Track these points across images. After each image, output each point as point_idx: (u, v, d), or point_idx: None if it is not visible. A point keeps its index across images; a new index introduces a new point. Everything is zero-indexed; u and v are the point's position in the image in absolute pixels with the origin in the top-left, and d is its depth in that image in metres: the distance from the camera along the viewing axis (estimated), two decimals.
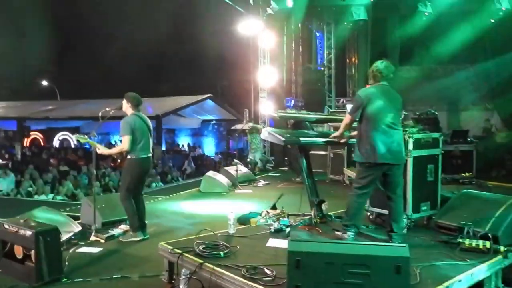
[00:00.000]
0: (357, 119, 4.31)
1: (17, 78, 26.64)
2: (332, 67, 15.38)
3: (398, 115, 4.33)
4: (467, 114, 15.23)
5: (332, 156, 10.14)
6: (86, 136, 5.88)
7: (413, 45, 14.71)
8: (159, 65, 26.98)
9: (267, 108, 14.06)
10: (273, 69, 14.78)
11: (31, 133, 26.03)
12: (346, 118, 4.41)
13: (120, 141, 5.61)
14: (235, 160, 10.94)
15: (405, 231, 4.57)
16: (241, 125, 14.80)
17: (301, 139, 4.54)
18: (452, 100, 15.49)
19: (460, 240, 3.97)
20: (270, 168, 13.49)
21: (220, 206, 7.50)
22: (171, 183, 14.63)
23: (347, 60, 17.80)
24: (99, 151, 5.61)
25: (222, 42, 21.40)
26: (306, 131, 4.77)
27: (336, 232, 4.34)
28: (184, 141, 26.94)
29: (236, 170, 9.79)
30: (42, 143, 26.22)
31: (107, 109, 5.61)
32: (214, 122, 26.72)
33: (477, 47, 13.30)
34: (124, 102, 5.54)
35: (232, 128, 21.67)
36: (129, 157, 5.40)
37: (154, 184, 14.13)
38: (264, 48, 14.63)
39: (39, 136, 26.49)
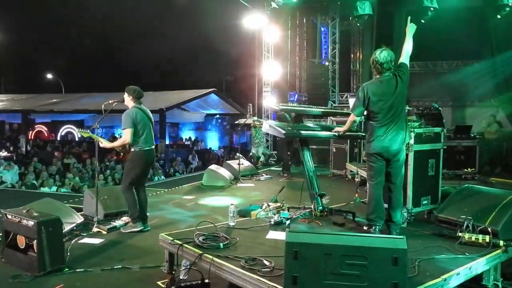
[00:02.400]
0: (361, 116, 4.31)
1: (22, 71, 26.76)
2: (336, 62, 15.31)
3: (399, 107, 4.23)
4: (472, 110, 15.16)
5: (334, 150, 10.14)
6: (88, 131, 5.90)
7: (419, 40, 14.61)
8: (164, 59, 27.01)
9: (270, 102, 14.04)
10: (277, 63, 14.76)
11: (35, 126, 26.17)
12: (351, 117, 4.41)
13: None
14: (237, 154, 10.96)
15: (405, 224, 4.59)
16: (244, 119, 14.80)
17: (302, 132, 4.55)
18: (457, 96, 15.43)
19: (460, 234, 3.97)
20: (273, 162, 13.51)
21: (222, 199, 7.53)
22: (174, 176, 14.68)
23: (352, 55, 17.76)
24: (101, 145, 5.65)
25: (227, 37, 21.42)
26: (308, 124, 4.78)
27: (364, 228, 4.32)
28: (187, 135, 27.00)
29: (239, 164, 9.81)
30: (46, 136, 26.37)
31: (110, 102, 5.65)
32: (218, 116, 26.74)
33: (483, 43, 13.22)
34: (126, 95, 5.57)
35: (236, 122, 21.70)
36: (132, 149, 5.43)
37: (156, 178, 14.20)
38: (268, 43, 14.60)
39: (43, 129, 26.64)
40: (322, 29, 16.74)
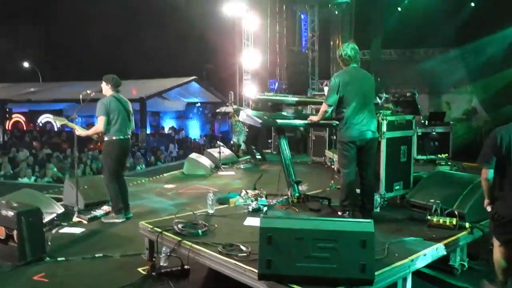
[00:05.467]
0: (334, 104, 4.43)
1: None
2: (315, 49, 15.42)
3: (369, 95, 4.42)
4: (448, 97, 15.50)
5: (314, 138, 10.30)
6: (63, 118, 5.90)
7: (396, 28, 14.81)
8: (143, 47, 26.66)
9: (250, 90, 14.11)
10: (257, 51, 14.79)
11: (13, 115, 25.67)
12: (323, 106, 4.52)
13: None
14: (218, 142, 11.03)
15: (378, 209, 4.77)
16: (225, 108, 14.84)
17: (278, 121, 4.66)
18: (433, 83, 15.74)
19: (429, 217, 4.16)
20: (254, 150, 13.60)
21: (203, 187, 7.61)
22: (156, 165, 14.69)
23: (331, 43, 17.89)
24: (77, 133, 5.67)
25: (206, 24, 21.24)
26: (284, 113, 4.89)
27: (338, 213, 4.47)
28: (169, 124, 26.86)
29: (219, 152, 9.90)
30: (24, 126, 25.92)
31: (88, 92, 5.66)
32: (199, 104, 26.64)
33: (457, 30, 13.49)
34: (104, 84, 5.59)
35: (217, 110, 21.68)
36: (106, 138, 5.47)
37: (138, 167, 14.19)
38: (248, 30, 14.60)
39: (21, 118, 26.16)
40: (302, 16, 16.80)
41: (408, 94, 8.76)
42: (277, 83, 15.92)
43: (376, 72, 15.60)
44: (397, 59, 16.03)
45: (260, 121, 4.46)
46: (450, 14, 13.53)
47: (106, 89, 5.62)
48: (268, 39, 15.99)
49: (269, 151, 12.47)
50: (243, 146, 13.34)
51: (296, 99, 5.16)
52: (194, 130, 26.59)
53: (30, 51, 28.58)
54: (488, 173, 3.45)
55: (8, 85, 24.71)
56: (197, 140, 22.93)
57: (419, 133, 8.71)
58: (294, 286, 2.76)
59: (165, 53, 26.03)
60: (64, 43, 27.38)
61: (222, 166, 9.74)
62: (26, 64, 30.48)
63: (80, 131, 5.69)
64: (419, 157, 8.54)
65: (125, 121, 5.59)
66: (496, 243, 3.52)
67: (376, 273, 2.99)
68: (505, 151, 3.35)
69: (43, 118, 25.46)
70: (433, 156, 8.39)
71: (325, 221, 2.90)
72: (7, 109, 24.24)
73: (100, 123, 5.40)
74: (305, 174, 8.35)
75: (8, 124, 24.82)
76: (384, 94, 9.20)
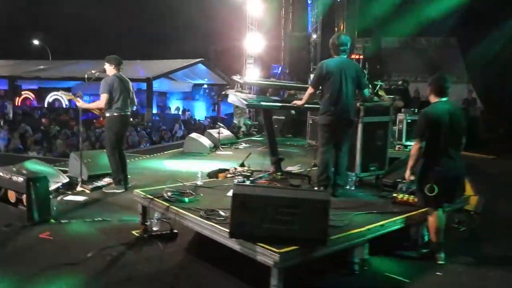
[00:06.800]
0: (318, 89, 4.83)
1: (8, 36, 26.56)
2: (318, 34, 15.67)
3: (352, 84, 4.76)
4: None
5: (311, 122, 10.68)
6: (70, 93, 6.41)
7: (400, 15, 15.01)
8: (151, 28, 26.98)
9: (253, 74, 14.48)
10: (261, 35, 15.10)
11: (22, 92, 26.19)
12: (309, 89, 4.93)
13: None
14: (218, 123, 11.48)
15: (353, 187, 5.21)
16: (231, 90, 15.21)
17: (263, 103, 5.08)
18: (434, 71, 15.95)
19: (394, 195, 4.60)
20: (254, 132, 14.06)
21: (200, 165, 8.05)
22: (160, 144, 15.18)
23: (336, 28, 18.10)
24: (78, 104, 6.17)
25: (214, 7, 21.48)
26: (271, 96, 5.31)
27: (315, 188, 4.87)
28: (175, 105, 27.27)
29: (218, 133, 10.35)
30: (33, 103, 26.46)
31: (93, 72, 6.12)
32: (205, 86, 26.96)
33: (460, 20, 13.67)
34: (107, 65, 6.05)
35: (223, 93, 22.03)
36: (107, 114, 5.96)
37: (142, 146, 14.70)
38: (252, 14, 14.90)
39: (30, 95, 26.70)
40: (309, 1, 16.99)
41: (399, 83, 9.11)
42: (280, 68, 16.23)
43: (377, 59, 15.89)
44: (399, 47, 16.25)
45: (246, 102, 4.89)
46: (452, 2, 13.68)
47: (110, 69, 6.09)
48: (272, 23, 16.29)
49: None
50: (243, 128, 13.81)
51: (281, 84, 5.56)
52: (200, 111, 26.98)
53: (41, 29, 29.02)
54: None
55: (18, 62, 25.15)
56: (201, 121, 23.35)
57: (409, 120, 9.12)
58: (261, 244, 3.22)
59: (172, 34, 26.33)
60: (73, 23, 27.76)
61: (221, 146, 10.20)
62: (36, 42, 30.93)
63: (81, 104, 6.18)
64: (408, 143, 8.95)
65: (126, 98, 6.07)
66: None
67: (334, 237, 3.47)
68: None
69: (51, 96, 25.98)
70: None
71: (289, 190, 3.35)
72: (17, 86, 24.74)
73: (102, 100, 5.88)
74: (299, 156, 8.81)
75: (18, 101, 25.38)
76: (380, 82, 9.59)
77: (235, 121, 14.01)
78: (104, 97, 5.85)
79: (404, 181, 4.69)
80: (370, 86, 6.68)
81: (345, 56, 4.87)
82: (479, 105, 13.94)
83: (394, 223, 4.04)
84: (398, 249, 4.22)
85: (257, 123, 14.79)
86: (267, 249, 3.15)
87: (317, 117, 10.46)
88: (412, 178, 4.07)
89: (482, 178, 7.62)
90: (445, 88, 4.14)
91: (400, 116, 9.11)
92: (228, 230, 3.38)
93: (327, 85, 4.71)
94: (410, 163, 4.10)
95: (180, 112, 25.41)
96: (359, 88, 4.83)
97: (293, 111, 10.85)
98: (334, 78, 4.68)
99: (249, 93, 5.13)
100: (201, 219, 3.76)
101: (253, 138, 12.85)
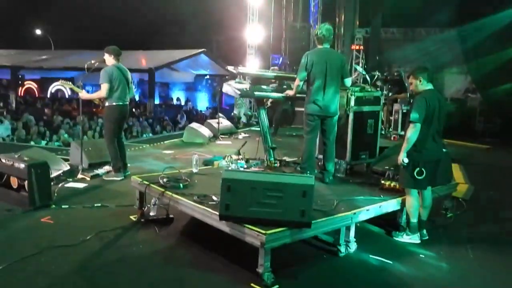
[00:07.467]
0: (304, 80, 4.97)
1: (9, 26, 26.67)
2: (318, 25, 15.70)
3: (335, 75, 4.88)
4: (446, 76, 15.83)
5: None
6: (70, 83, 6.60)
7: (399, 6, 15.06)
8: (153, 18, 27.02)
9: (253, 65, 14.58)
10: (261, 26, 15.18)
11: (25, 82, 26.32)
12: (296, 81, 5.08)
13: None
14: (218, 113, 11.63)
15: (344, 174, 5.37)
16: (232, 81, 15.34)
17: (255, 93, 5.23)
18: (433, 62, 16.03)
19: (382, 182, 4.76)
20: (254, 123, 14.20)
21: (199, 154, 8.25)
22: (161, 134, 15.37)
23: (337, 19, 18.13)
24: (80, 95, 6.35)
25: None
26: (263, 86, 5.45)
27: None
28: (177, 95, 27.41)
29: (218, 123, 10.49)
30: (36, 93, 26.60)
31: (92, 62, 6.27)
32: (207, 77, 27.04)
33: (457, 11, 13.72)
34: (106, 55, 6.19)
35: (225, 83, 22.09)
36: (107, 104, 6.12)
37: (144, 135, 14.89)
38: (253, 5, 14.96)
39: (33, 85, 26.84)
40: None
41: (395, 74, 9.22)
42: (281, 58, 16.31)
43: (376, 50, 15.96)
44: (398, 38, 16.30)
45: (239, 92, 5.04)
46: None
47: (109, 59, 6.24)
48: (272, 14, 16.35)
49: None
50: (243, 119, 13.96)
51: (275, 74, 5.71)
52: (202, 102, 27.10)
53: (43, 18, 29.11)
54: None
55: (20, 52, 25.24)
56: (203, 112, 23.49)
57: (404, 110, 9.24)
58: (248, 225, 3.40)
59: (175, 25, 26.37)
60: (76, 13, 27.84)
61: (221, 136, 10.35)
62: (38, 31, 31.03)
63: (82, 94, 6.36)
64: (403, 132, 9.06)
65: (125, 88, 6.22)
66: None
67: (320, 220, 3.64)
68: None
69: (53, 87, 26.12)
70: None
71: (275, 175, 3.52)
72: (20, 76, 24.86)
73: (103, 90, 6.04)
74: (298, 145, 8.95)
75: (21, 91, 25.54)
76: (377, 73, 9.70)
77: (235, 111, 14.15)
78: (105, 86, 6.01)
79: (392, 168, 4.84)
80: (368, 77, 6.77)
81: (328, 46, 5.00)
82: (478, 96, 14.03)
83: (380, 208, 4.20)
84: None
85: (256, 113, 14.92)
86: (255, 230, 3.32)
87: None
88: (406, 160, 4.17)
89: (475, 168, 7.78)
90: (433, 77, 4.39)
91: (396, 106, 9.23)
92: (217, 213, 3.56)
93: (311, 75, 4.84)
94: (405, 145, 4.20)
95: (182, 103, 25.53)
96: (342, 77, 4.95)
97: (289, 102, 10.96)
98: (319, 68, 4.81)
99: (250, 83, 5.24)
100: (194, 204, 3.94)
101: (252, 128, 12.99)
